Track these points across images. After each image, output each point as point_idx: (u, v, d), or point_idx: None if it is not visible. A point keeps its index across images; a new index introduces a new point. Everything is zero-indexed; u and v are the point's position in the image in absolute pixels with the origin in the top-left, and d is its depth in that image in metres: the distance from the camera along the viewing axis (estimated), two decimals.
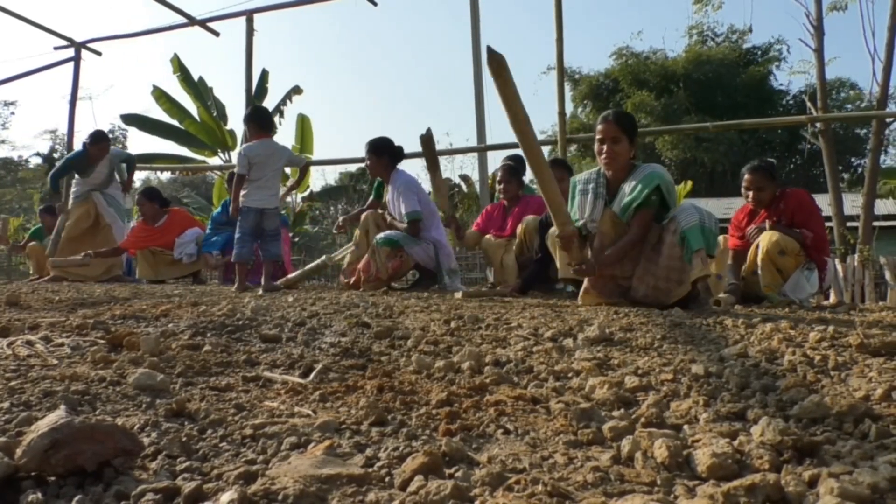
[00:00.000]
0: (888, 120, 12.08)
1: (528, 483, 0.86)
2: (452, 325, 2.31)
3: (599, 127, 3.19)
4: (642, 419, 1.16)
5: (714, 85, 23.59)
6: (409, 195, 4.50)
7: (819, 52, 10.74)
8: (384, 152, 4.70)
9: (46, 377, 1.43)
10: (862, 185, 11.71)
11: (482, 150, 8.20)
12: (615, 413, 1.22)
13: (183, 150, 13.64)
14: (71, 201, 6.60)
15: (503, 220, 4.77)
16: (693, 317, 2.55)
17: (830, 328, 1.96)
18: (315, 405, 1.31)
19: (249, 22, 8.39)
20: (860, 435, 1.05)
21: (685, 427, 1.13)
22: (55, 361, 1.64)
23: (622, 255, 3.12)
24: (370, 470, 0.93)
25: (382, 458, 0.98)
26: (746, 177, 3.84)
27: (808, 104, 10.94)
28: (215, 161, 13.39)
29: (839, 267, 7.62)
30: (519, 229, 4.35)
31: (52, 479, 0.87)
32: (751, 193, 3.83)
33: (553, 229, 3.22)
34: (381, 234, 4.43)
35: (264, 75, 12.88)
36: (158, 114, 13.24)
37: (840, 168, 17.58)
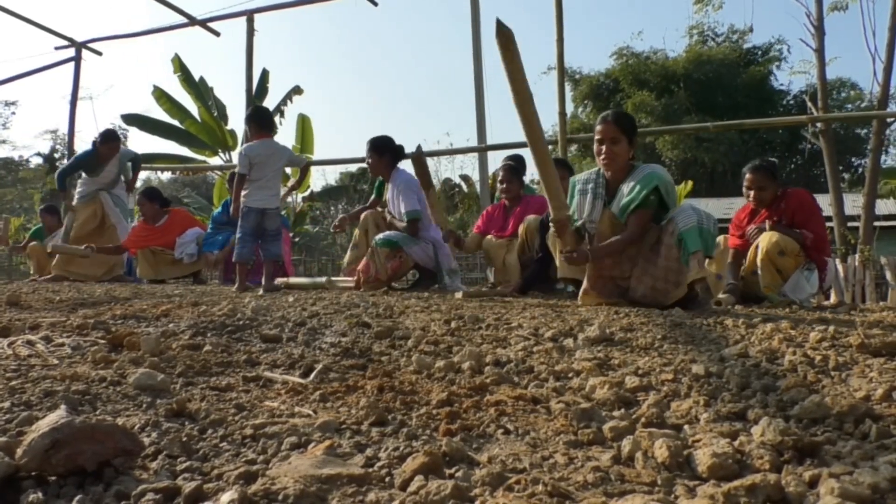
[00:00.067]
0: (889, 120, 12.08)
1: (529, 483, 0.86)
2: (453, 325, 2.31)
3: (598, 127, 3.19)
4: (643, 419, 1.16)
5: (714, 85, 23.58)
6: (409, 194, 4.50)
7: (820, 52, 10.74)
8: (385, 151, 4.70)
9: (47, 377, 1.43)
10: (862, 185, 11.71)
11: (482, 150, 8.20)
12: (615, 413, 1.22)
13: (183, 150, 13.63)
14: (76, 201, 6.58)
15: (504, 220, 4.77)
16: (693, 317, 2.55)
17: (831, 328, 1.96)
18: (315, 405, 1.31)
19: (250, 22, 8.40)
20: (861, 435, 1.05)
21: (685, 427, 1.13)
22: (56, 361, 1.64)
23: (616, 251, 3.11)
24: (370, 470, 0.93)
25: (383, 458, 0.98)
26: (748, 176, 3.84)
27: (809, 104, 10.95)
28: (216, 161, 13.39)
29: (840, 267, 7.62)
30: (520, 229, 4.35)
31: (53, 478, 0.87)
32: (752, 193, 3.83)
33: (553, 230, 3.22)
34: (381, 235, 4.43)
35: (265, 75, 12.88)
36: (159, 114, 13.25)
37: (840, 168, 17.57)
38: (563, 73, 6.67)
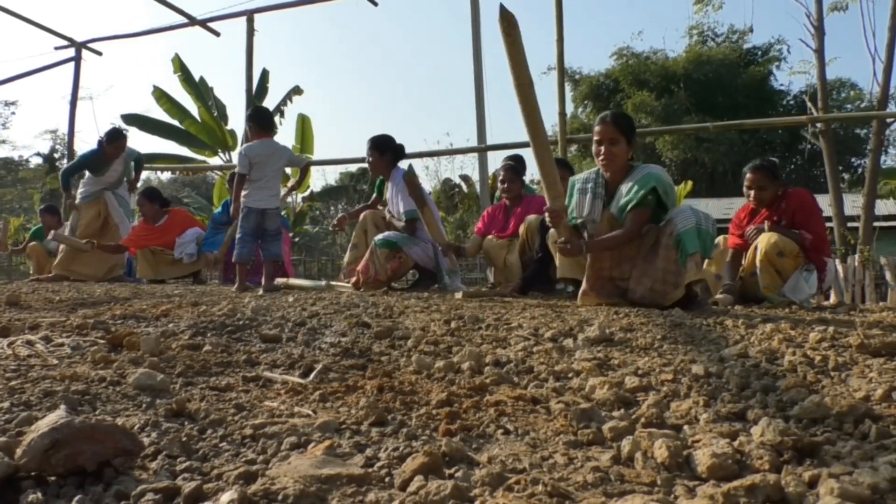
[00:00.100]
0: (888, 120, 12.08)
1: (528, 483, 0.86)
2: (452, 325, 2.31)
3: (597, 128, 3.19)
4: (642, 419, 1.16)
5: (714, 85, 23.58)
6: (407, 193, 4.49)
7: (819, 52, 10.74)
8: (387, 150, 4.70)
9: (46, 377, 1.43)
10: (862, 185, 11.71)
11: (482, 150, 8.20)
12: (615, 413, 1.22)
13: (183, 150, 13.64)
14: (79, 200, 6.57)
15: (506, 220, 4.77)
16: (693, 317, 2.55)
17: (831, 329, 1.96)
18: (315, 405, 1.31)
19: (250, 22, 8.40)
20: (860, 435, 1.05)
21: (685, 427, 1.13)
22: (55, 361, 1.64)
23: (610, 247, 3.11)
24: (370, 470, 0.93)
25: (382, 458, 0.98)
26: (748, 176, 3.84)
27: (809, 104, 10.94)
28: (216, 161, 13.39)
29: (839, 267, 7.62)
30: (521, 229, 4.35)
31: (53, 478, 0.87)
32: (752, 192, 3.83)
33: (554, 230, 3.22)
34: (380, 236, 4.43)
35: (265, 75, 12.88)
36: (159, 114, 13.25)
37: (840, 168, 17.57)
38: (563, 73, 6.67)
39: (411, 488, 0.85)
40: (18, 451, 0.87)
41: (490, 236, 4.79)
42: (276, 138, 4.84)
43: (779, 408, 1.22)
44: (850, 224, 10.63)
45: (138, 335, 1.92)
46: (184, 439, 1.05)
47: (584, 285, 3.19)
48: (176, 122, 13.14)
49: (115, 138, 6.38)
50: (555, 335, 2.08)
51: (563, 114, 6.63)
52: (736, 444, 1.00)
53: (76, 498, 0.82)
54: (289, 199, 12.66)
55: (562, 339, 2.02)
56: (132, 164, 6.69)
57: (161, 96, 12.85)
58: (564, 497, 0.83)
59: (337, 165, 18.91)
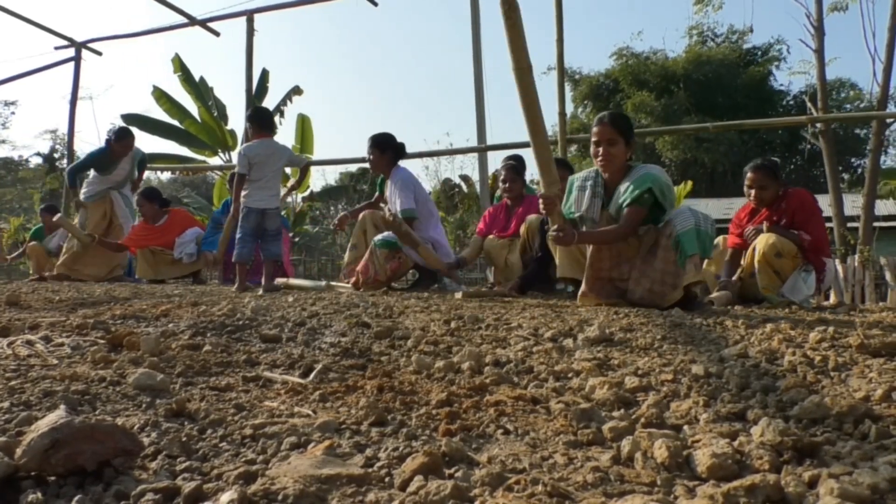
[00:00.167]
0: (888, 120, 12.08)
1: (528, 483, 0.86)
2: (452, 325, 2.31)
3: (595, 129, 3.18)
4: (642, 419, 1.16)
5: (714, 85, 23.58)
6: (406, 192, 4.49)
7: (819, 52, 10.74)
8: (388, 148, 4.70)
9: (46, 377, 1.43)
10: (862, 185, 11.71)
11: (482, 150, 8.20)
12: (615, 413, 1.22)
13: (183, 150, 13.65)
14: (83, 200, 6.56)
15: (507, 220, 4.78)
16: (693, 317, 2.55)
17: (830, 329, 1.96)
18: (315, 405, 1.31)
19: (250, 22, 8.39)
20: (860, 435, 1.05)
21: (685, 427, 1.13)
22: (55, 361, 1.64)
23: (604, 241, 3.10)
24: (370, 470, 0.93)
25: (382, 459, 0.98)
26: (749, 175, 3.84)
27: (809, 105, 10.94)
28: (215, 161, 13.40)
29: (839, 267, 7.62)
30: (522, 229, 4.36)
31: (52, 478, 0.87)
32: (753, 192, 3.83)
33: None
34: (379, 236, 4.43)
35: (265, 75, 12.89)
36: (159, 114, 13.26)
37: (840, 168, 17.58)
38: (562, 73, 6.66)
39: (411, 488, 0.85)
40: (18, 451, 0.87)
41: (491, 236, 4.80)
42: (276, 138, 4.84)
43: (779, 408, 1.22)
44: (849, 224, 10.63)
45: (138, 335, 1.92)
46: (184, 439, 1.05)
47: (583, 286, 3.19)
48: (176, 122, 13.14)
49: (123, 136, 6.37)
50: (555, 335, 2.08)
51: (562, 114, 6.63)
52: (736, 444, 1.00)
53: (76, 498, 0.82)
54: (289, 199, 12.66)
55: (562, 339, 2.02)
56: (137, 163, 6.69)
57: (161, 96, 12.85)
58: (564, 497, 0.83)
59: (337, 165, 18.90)
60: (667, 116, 22.12)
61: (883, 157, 15.45)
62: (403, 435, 1.10)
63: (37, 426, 0.90)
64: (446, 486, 0.82)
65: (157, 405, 1.27)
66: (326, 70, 68.91)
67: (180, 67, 12.73)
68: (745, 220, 3.97)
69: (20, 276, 9.04)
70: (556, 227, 3.04)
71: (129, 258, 6.70)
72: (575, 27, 45.20)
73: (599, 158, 3.16)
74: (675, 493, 0.85)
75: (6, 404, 1.22)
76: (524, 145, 6.01)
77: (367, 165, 5.07)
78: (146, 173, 7.47)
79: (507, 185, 4.79)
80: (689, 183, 11.74)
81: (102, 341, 1.92)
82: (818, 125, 10.50)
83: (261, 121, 4.65)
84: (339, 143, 62.99)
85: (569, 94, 25.07)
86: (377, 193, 5.03)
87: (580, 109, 26.01)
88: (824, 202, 9.92)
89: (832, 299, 6.29)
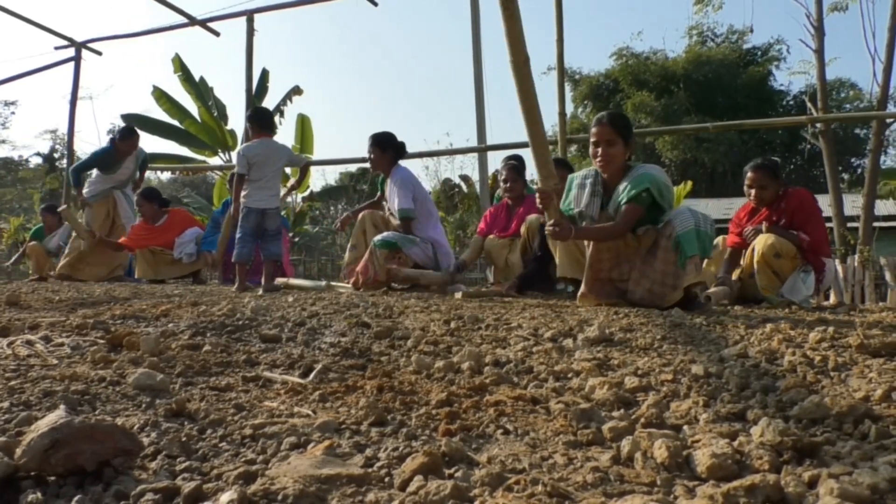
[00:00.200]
0: (888, 120, 12.08)
1: (528, 483, 0.86)
2: (452, 325, 2.31)
3: (593, 129, 3.17)
4: (642, 419, 1.16)
5: (714, 85, 23.58)
6: (405, 192, 4.49)
7: (819, 52, 10.74)
8: (388, 147, 4.70)
9: (46, 377, 1.43)
10: (862, 185, 11.71)
11: (482, 150, 8.20)
12: (615, 413, 1.22)
13: (183, 150, 13.65)
14: (86, 199, 6.55)
15: (508, 219, 4.78)
16: (693, 317, 2.54)
17: (830, 329, 1.96)
18: (315, 405, 1.31)
19: (250, 22, 8.39)
20: (860, 436, 1.05)
21: (685, 427, 1.13)
22: (55, 361, 1.64)
23: (599, 238, 3.10)
24: (370, 470, 0.93)
25: (382, 459, 0.98)
26: (749, 175, 3.84)
27: (809, 105, 10.94)
28: (215, 161, 13.40)
29: (839, 268, 7.62)
30: (522, 229, 4.36)
31: (52, 478, 0.87)
32: (753, 191, 3.83)
33: None
34: (379, 237, 4.43)
35: (265, 75, 12.89)
36: (159, 114, 13.27)
37: (840, 168, 17.59)
38: (562, 73, 6.66)
39: (411, 488, 0.85)
40: (18, 451, 0.87)
41: (492, 236, 4.80)
42: (276, 138, 4.84)
43: (778, 408, 1.22)
44: (849, 224, 10.64)
45: (138, 335, 1.92)
46: (183, 439, 1.05)
47: (582, 287, 3.19)
48: (176, 123, 13.15)
49: (128, 135, 6.36)
50: (554, 335, 2.08)
51: (562, 114, 6.63)
52: (736, 444, 1.00)
53: (76, 498, 0.82)
54: (289, 199, 12.67)
55: (561, 340, 2.01)
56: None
57: (161, 96, 12.85)
58: (564, 497, 0.83)
59: (337, 165, 18.90)
60: (667, 116, 22.11)
61: (883, 157, 15.45)
62: (403, 435, 1.10)
63: (36, 426, 0.90)
64: (446, 486, 0.82)
65: (156, 405, 1.27)
66: (326, 70, 68.95)
67: (180, 67, 12.74)
68: (744, 220, 3.97)
69: (20, 276, 9.04)
70: (552, 222, 3.03)
71: (130, 258, 6.70)
72: (575, 27, 45.24)
73: (598, 159, 3.16)
74: (674, 493, 0.85)
75: (6, 404, 1.22)
76: (524, 145, 6.01)
77: (367, 165, 5.07)
78: (147, 173, 7.46)
79: (508, 185, 4.79)
80: (689, 183, 11.74)
81: (102, 341, 1.92)
82: (818, 125, 10.50)
83: (260, 121, 4.65)
84: (339, 143, 63.04)
85: (569, 95, 25.08)
86: (379, 193, 5.03)
87: (580, 109, 26.01)
88: (824, 202, 9.92)
89: (832, 299, 6.29)
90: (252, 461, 0.98)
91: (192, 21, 8.62)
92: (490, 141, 8.08)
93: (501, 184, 4.92)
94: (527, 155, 3.69)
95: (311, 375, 1.54)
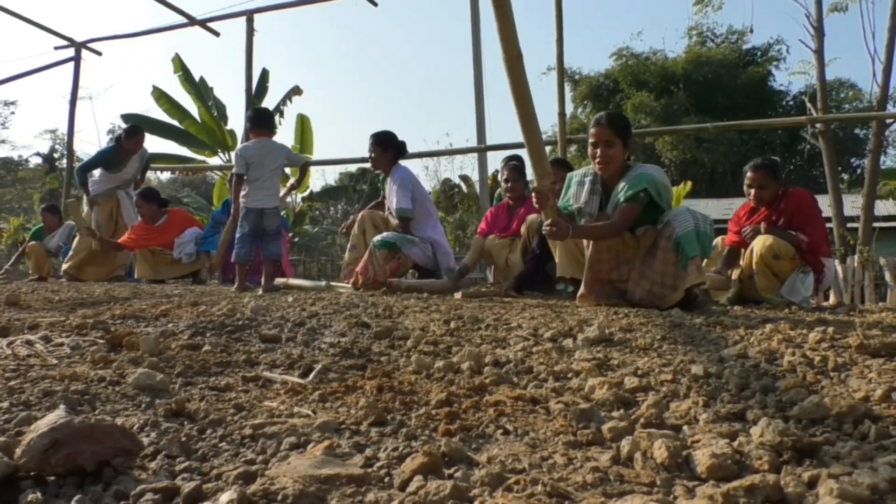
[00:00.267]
0: (888, 121, 12.09)
1: (528, 483, 0.86)
2: (452, 325, 2.31)
3: (592, 130, 3.17)
4: (642, 420, 1.16)
5: (714, 86, 23.59)
6: (403, 191, 4.49)
7: (819, 52, 10.75)
8: (389, 146, 4.70)
9: (46, 377, 1.43)
10: (862, 185, 11.72)
11: (482, 150, 8.21)
12: (615, 413, 1.22)
13: (183, 150, 13.65)
14: (94, 198, 6.54)
15: (508, 220, 4.78)
16: (693, 317, 2.55)
17: (830, 329, 1.96)
18: (314, 405, 1.31)
19: (250, 22, 8.40)
20: (860, 436, 1.05)
21: (685, 428, 1.13)
22: (55, 361, 1.64)
23: (596, 236, 3.09)
24: (370, 470, 0.93)
25: (382, 459, 0.98)
26: (749, 174, 3.84)
27: (808, 105, 10.95)
28: (215, 161, 13.41)
29: (839, 268, 7.63)
30: (523, 229, 4.36)
31: (52, 478, 0.87)
32: (753, 191, 3.83)
33: None
34: (378, 237, 4.43)
35: (264, 75, 12.89)
36: (159, 114, 13.27)
37: (840, 169, 17.60)
38: (562, 73, 6.67)
39: (411, 488, 0.85)
40: (18, 451, 0.87)
41: (492, 236, 4.80)
42: (276, 138, 4.84)
43: (778, 408, 1.22)
44: (849, 225, 10.64)
45: (138, 335, 1.92)
46: (183, 439, 1.05)
47: (582, 287, 3.19)
48: (176, 123, 13.15)
49: (133, 133, 6.35)
50: (554, 335, 2.08)
51: (562, 114, 6.63)
52: (735, 444, 1.00)
53: (75, 498, 0.82)
54: (288, 199, 12.67)
55: (561, 340, 2.01)
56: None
57: (161, 96, 12.85)
58: (564, 497, 0.83)
59: (337, 165, 18.92)
60: (666, 117, 22.12)
61: (882, 158, 15.44)
62: (403, 435, 1.10)
63: (36, 426, 0.90)
64: (446, 486, 0.82)
65: (156, 405, 1.26)
66: (326, 70, 68.97)
67: (180, 67, 12.74)
68: (744, 219, 3.97)
69: (20, 276, 9.04)
70: (549, 221, 3.03)
71: (130, 258, 6.70)
72: (575, 27, 45.26)
73: (597, 160, 3.15)
74: (674, 494, 0.85)
75: (6, 404, 1.22)
76: (524, 145, 6.01)
77: (367, 165, 5.08)
78: (147, 173, 7.46)
79: (509, 185, 4.80)
80: (689, 183, 11.74)
81: (102, 341, 1.91)
82: (818, 125, 10.50)
83: (259, 120, 4.65)
84: (339, 143, 63.08)
85: (568, 95, 25.08)
86: (382, 194, 5.04)
87: (580, 110, 26.01)
88: (824, 202, 9.92)
89: (832, 300, 6.29)
90: (252, 461, 0.98)
91: (192, 21, 8.63)
92: (490, 141, 8.09)
93: (503, 184, 4.93)
94: (526, 154, 3.69)
95: (311, 375, 1.54)
